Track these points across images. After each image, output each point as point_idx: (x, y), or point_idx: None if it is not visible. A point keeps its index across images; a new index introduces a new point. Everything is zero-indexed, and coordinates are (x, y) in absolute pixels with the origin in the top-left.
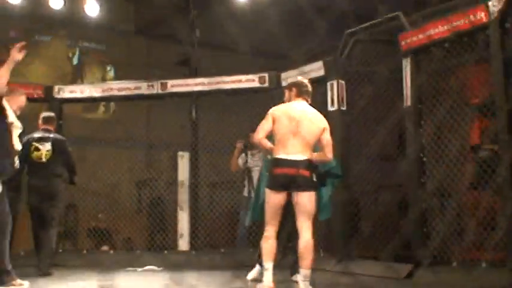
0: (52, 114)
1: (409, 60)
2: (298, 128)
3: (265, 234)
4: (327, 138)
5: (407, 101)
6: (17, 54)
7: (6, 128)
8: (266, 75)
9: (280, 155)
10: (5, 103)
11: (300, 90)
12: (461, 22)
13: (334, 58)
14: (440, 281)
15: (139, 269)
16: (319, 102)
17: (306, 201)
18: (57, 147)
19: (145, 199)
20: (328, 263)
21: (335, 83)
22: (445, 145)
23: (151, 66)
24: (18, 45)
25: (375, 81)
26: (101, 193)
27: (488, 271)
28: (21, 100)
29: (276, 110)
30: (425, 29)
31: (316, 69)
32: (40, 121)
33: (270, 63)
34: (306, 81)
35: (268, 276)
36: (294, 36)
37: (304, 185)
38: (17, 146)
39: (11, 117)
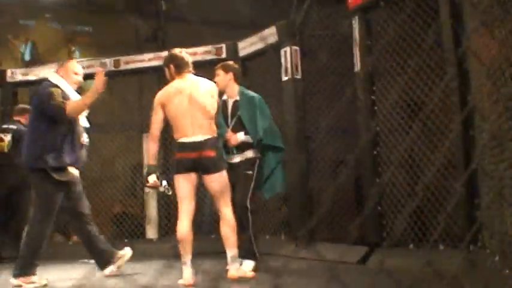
0: (24, 106)
1: (357, 19)
2: (191, 106)
3: (179, 223)
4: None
5: (357, 66)
6: (100, 87)
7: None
8: (223, 46)
9: (181, 139)
10: (62, 84)
11: (177, 64)
12: None
13: (287, 22)
14: (396, 265)
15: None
16: (276, 72)
17: (216, 182)
18: (17, 138)
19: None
20: (287, 247)
21: (288, 49)
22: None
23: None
24: (100, 77)
25: (334, 46)
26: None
27: (446, 253)
28: (74, 69)
29: (161, 96)
30: None
31: (270, 35)
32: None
33: (242, 34)
34: (182, 52)
35: (187, 272)
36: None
37: (211, 167)
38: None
39: (72, 96)
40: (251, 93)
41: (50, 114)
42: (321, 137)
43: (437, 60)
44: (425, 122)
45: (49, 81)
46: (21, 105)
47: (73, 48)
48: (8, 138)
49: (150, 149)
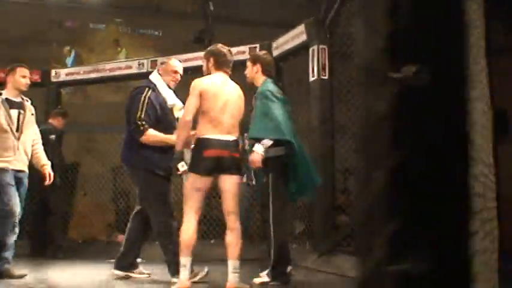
0: (58, 110)
1: None
2: (226, 105)
3: (186, 224)
4: None
5: None
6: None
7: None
8: (257, 46)
9: (210, 135)
10: (160, 84)
11: (217, 61)
12: None
13: (315, 20)
14: None
15: None
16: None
17: (235, 185)
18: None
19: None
20: (309, 258)
21: (315, 48)
22: None
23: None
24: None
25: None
26: None
27: None
28: (173, 67)
29: (201, 84)
30: None
31: (300, 33)
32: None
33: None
34: (225, 49)
35: (185, 274)
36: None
37: (235, 168)
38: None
39: (169, 98)
40: (265, 86)
41: (129, 119)
42: (350, 142)
43: None
44: None
45: (149, 80)
46: (57, 109)
47: (119, 49)
48: None
49: (181, 134)
